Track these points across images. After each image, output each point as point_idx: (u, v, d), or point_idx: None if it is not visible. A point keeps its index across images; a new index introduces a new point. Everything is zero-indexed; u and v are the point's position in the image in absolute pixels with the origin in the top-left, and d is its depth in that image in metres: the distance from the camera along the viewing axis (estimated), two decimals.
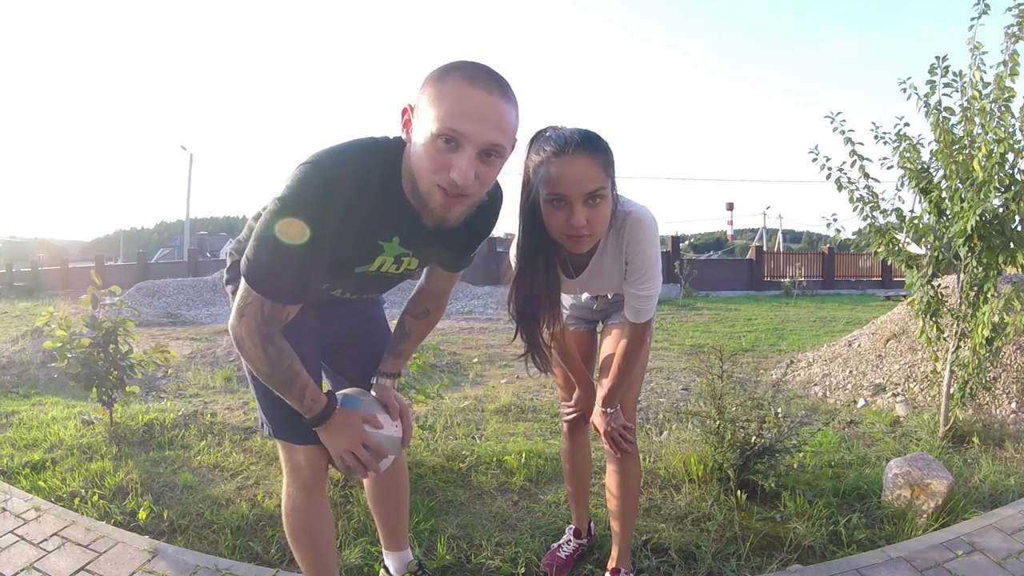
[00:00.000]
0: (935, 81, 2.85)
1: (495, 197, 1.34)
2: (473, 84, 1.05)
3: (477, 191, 1.13)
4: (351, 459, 1.33)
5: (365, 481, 1.78)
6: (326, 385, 1.67)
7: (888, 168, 3.09)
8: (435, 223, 1.16)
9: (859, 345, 4.79)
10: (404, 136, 1.15)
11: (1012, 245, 2.73)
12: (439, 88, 1.06)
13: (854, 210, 3.10)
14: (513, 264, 1.54)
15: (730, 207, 66.26)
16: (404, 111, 1.13)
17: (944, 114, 2.85)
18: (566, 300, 1.91)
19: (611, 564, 1.82)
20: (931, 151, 2.96)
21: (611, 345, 1.75)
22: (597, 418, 1.71)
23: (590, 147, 1.33)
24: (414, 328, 1.54)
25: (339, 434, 1.32)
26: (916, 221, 3.00)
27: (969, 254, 2.83)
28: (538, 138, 1.41)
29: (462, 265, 1.47)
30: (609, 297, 1.81)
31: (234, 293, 1.34)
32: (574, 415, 1.89)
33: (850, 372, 4.39)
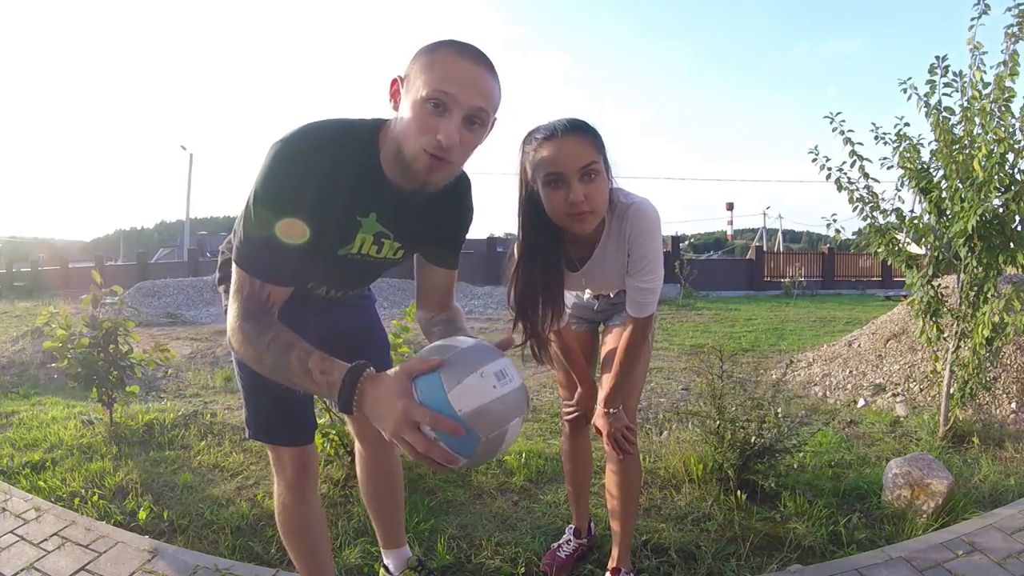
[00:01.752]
0: (935, 81, 2.85)
1: (464, 182, 1.36)
2: (462, 55, 1.11)
3: (460, 158, 1.15)
4: (408, 448, 0.94)
5: (360, 479, 1.79)
6: None
7: (888, 168, 3.09)
8: (417, 188, 1.18)
9: (859, 345, 4.78)
10: (391, 106, 1.18)
11: (1012, 245, 2.73)
12: (430, 59, 1.11)
13: (854, 210, 3.10)
14: (514, 257, 1.56)
15: (730, 207, 66.22)
16: (394, 82, 1.16)
17: (944, 114, 2.85)
18: (568, 300, 1.91)
19: (611, 564, 1.82)
20: (931, 151, 2.96)
21: (612, 345, 1.75)
22: (599, 419, 1.70)
23: (578, 128, 1.39)
24: (451, 316, 1.41)
25: (378, 413, 0.97)
26: (916, 221, 3.00)
27: (969, 254, 2.83)
28: (529, 134, 1.46)
29: (450, 259, 1.43)
30: (611, 296, 1.81)
31: (227, 292, 1.34)
32: (575, 414, 1.89)
33: (850, 372, 4.39)
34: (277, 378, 1.11)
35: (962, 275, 2.92)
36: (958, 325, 2.96)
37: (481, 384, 0.95)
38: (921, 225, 2.98)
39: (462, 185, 1.36)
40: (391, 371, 1.00)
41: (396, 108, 1.16)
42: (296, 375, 1.07)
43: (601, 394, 1.71)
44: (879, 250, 3.10)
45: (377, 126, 1.22)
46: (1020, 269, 2.83)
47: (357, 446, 1.77)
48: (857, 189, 3.07)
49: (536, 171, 1.40)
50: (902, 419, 3.53)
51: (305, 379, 1.06)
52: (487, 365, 0.98)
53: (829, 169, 3.11)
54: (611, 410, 1.67)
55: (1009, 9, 2.63)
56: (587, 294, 1.85)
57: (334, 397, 1.02)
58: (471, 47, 1.13)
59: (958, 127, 2.84)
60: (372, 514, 1.79)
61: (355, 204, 1.23)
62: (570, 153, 1.36)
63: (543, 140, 1.38)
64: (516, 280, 1.51)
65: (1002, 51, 2.69)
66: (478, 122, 1.13)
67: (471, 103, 1.09)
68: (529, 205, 1.45)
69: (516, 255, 1.53)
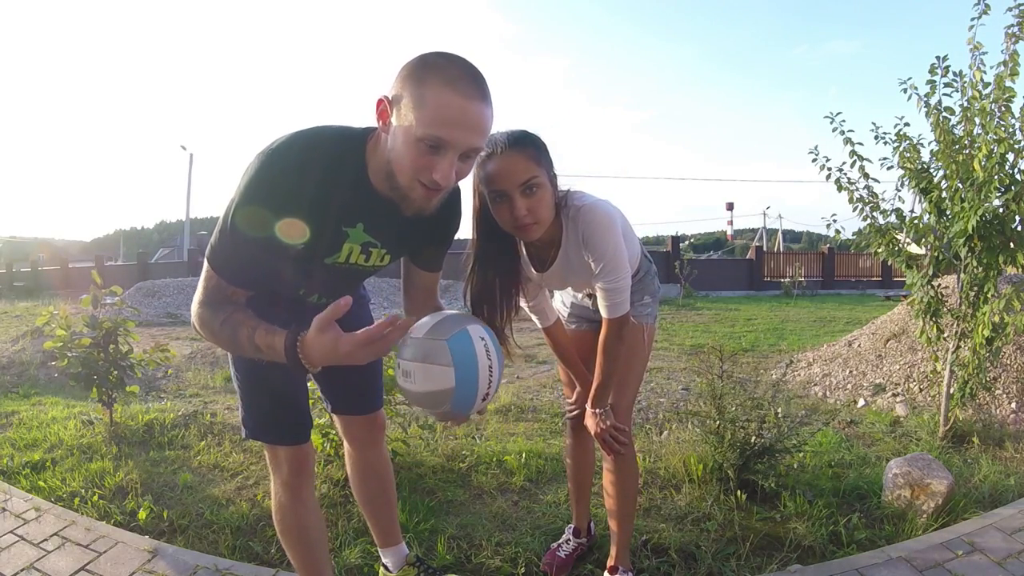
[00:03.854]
0: (935, 81, 2.85)
1: (453, 191, 1.37)
2: (456, 90, 1.07)
3: (453, 183, 1.18)
4: (370, 352, 1.07)
5: (352, 480, 1.80)
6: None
7: (888, 168, 3.09)
8: (414, 213, 1.20)
9: (859, 345, 4.78)
10: (380, 127, 1.16)
11: (1012, 245, 2.73)
12: (420, 92, 1.07)
13: (854, 210, 3.10)
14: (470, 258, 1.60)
15: (730, 207, 66.15)
16: (380, 102, 1.14)
17: (944, 114, 2.84)
18: (566, 300, 1.92)
19: (609, 563, 1.83)
20: (931, 151, 2.95)
21: None
22: (588, 419, 1.73)
23: (516, 144, 1.41)
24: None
25: (323, 353, 1.08)
26: (916, 221, 3.00)
27: (969, 254, 2.83)
28: None
29: (434, 262, 1.50)
30: None
31: None
32: (576, 412, 1.90)
33: (850, 372, 4.39)
34: (236, 354, 1.23)
35: (962, 275, 2.92)
36: (958, 325, 2.96)
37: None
38: (921, 225, 2.98)
39: (454, 200, 1.37)
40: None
41: (385, 130, 1.14)
42: (248, 351, 1.17)
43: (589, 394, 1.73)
44: (879, 250, 3.10)
45: (365, 137, 1.21)
46: (1020, 269, 2.83)
47: (346, 446, 1.78)
48: (857, 189, 3.07)
49: (482, 185, 1.44)
50: (902, 419, 3.53)
51: (256, 353, 1.16)
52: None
53: (829, 169, 3.11)
54: (597, 409, 1.69)
55: (1009, 9, 2.63)
56: (580, 294, 1.87)
57: (283, 360, 1.12)
58: (463, 73, 1.08)
59: (958, 127, 2.84)
60: (367, 513, 1.81)
61: (342, 215, 1.23)
62: (510, 170, 1.39)
63: (486, 157, 1.41)
64: (471, 281, 1.56)
65: (1002, 51, 2.69)
66: (472, 154, 1.15)
67: (467, 144, 1.10)
68: (482, 212, 1.49)
69: (471, 257, 1.57)
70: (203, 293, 1.21)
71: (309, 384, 1.67)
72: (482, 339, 1.20)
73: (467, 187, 1.53)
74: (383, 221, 1.27)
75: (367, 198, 1.22)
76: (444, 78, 1.07)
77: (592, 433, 1.72)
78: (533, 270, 1.65)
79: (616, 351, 1.65)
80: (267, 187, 1.12)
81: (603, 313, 1.62)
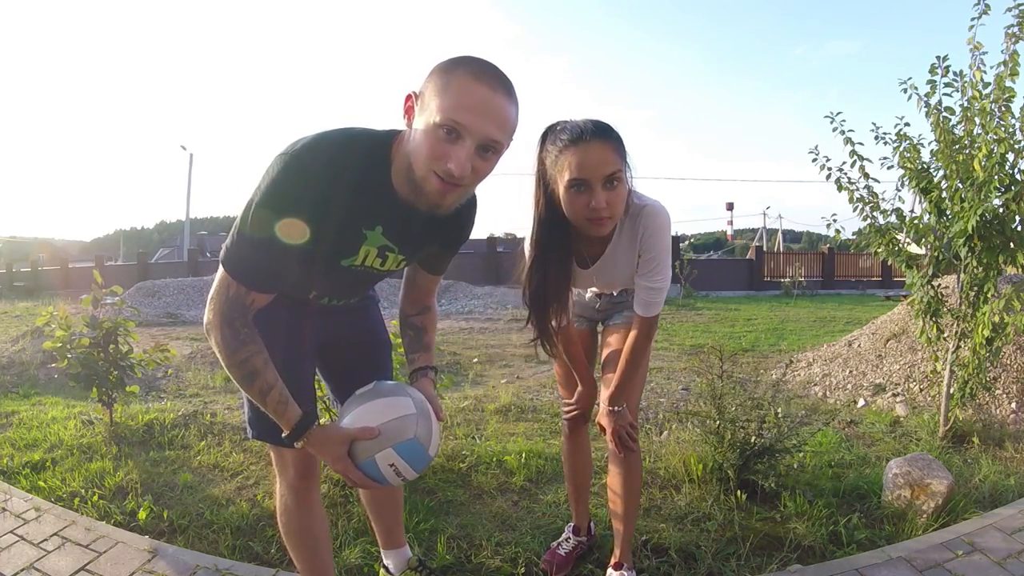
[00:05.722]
0: (935, 81, 2.85)
1: (470, 200, 1.36)
2: (479, 80, 1.07)
3: (471, 183, 1.15)
4: (345, 478, 1.27)
5: None
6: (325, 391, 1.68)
7: (888, 168, 3.09)
8: (427, 209, 1.17)
9: (859, 345, 4.78)
10: (405, 122, 1.16)
11: (1012, 245, 2.72)
12: (445, 80, 1.08)
13: (854, 210, 3.10)
14: (527, 255, 1.58)
15: (730, 207, 66.25)
16: (408, 98, 1.14)
17: (944, 114, 2.84)
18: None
19: (613, 560, 1.83)
20: (931, 151, 2.95)
21: (614, 344, 1.76)
22: (603, 417, 1.72)
23: (603, 134, 1.40)
24: (424, 322, 1.55)
25: (322, 453, 1.25)
26: (916, 221, 3.00)
27: (969, 254, 2.83)
28: (551, 131, 1.46)
29: (441, 267, 1.50)
30: (613, 295, 1.82)
31: None
32: (575, 413, 1.90)
33: (850, 372, 4.39)
34: (235, 382, 1.23)
35: (962, 275, 2.92)
36: (958, 325, 2.96)
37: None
38: (921, 225, 2.98)
39: (468, 202, 1.34)
40: (337, 432, 1.24)
41: (410, 125, 1.14)
42: (255, 399, 1.23)
43: (605, 392, 1.72)
44: (879, 250, 3.10)
45: (390, 139, 1.20)
46: (1020, 269, 2.83)
47: None
48: (857, 189, 3.07)
49: (559, 172, 1.41)
50: (902, 419, 3.53)
51: (261, 406, 1.23)
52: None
53: (829, 169, 3.11)
54: (615, 408, 1.69)
55: (1009, 9, 2.63)
56: (589, 292, 1.86)
57: (284, 427, 1.24)
58: (489, 69, 1.09)
59: (958, 127, 2.84)
60: (372, 515, 1.80)
61: (361, 216, 1.22)
62: (596, 161, 1.37)
63: (569, 143, 1.38)
64: (531, 277, 1.54)
65: (1002, 51, 2.69)
66: (492, 150, 1.11)
67: (485, 133, 1.07)
68: (547, 204, 1.46)
69: (530, 252, 1.55)
70: (223, 304, 1.18)
71: (316, 385, 1.67)
72: (391, 465, 1.23)
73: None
74: (402, 225, 1.26)
75: (388, 201, 1.21)
76: (471, 71, 1.08)
77: (608, 431, 1.71)
78: (576, 266, 1.64)
79: (645, 349, 1.66)
80: (290, 188, 1.11)
81: (639, 311, 1.61)
